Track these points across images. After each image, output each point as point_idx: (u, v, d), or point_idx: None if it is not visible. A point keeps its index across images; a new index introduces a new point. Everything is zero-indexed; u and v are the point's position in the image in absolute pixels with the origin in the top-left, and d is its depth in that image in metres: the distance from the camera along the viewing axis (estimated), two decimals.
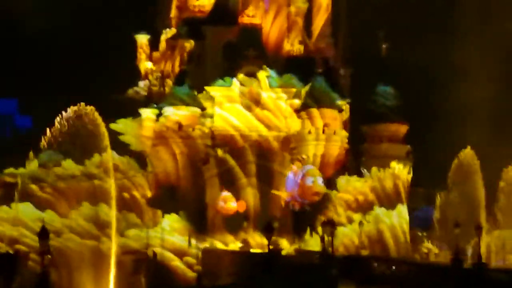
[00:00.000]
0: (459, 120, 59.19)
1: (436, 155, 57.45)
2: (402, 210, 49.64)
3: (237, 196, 48.81)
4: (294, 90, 51.89)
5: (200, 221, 48.20)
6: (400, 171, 51.23)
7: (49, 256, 34.29)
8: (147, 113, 51.26)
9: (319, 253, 42.20)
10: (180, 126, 50.35)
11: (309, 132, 51.38)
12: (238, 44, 52.96)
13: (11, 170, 48.74)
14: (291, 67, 53.66)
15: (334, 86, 53.68)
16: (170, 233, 45.70)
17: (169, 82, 54.47)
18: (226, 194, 48.46)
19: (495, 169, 50.88)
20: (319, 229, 43.38)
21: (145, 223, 46.30)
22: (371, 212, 49.14)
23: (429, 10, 67.83)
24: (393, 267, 41.18)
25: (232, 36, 53.44)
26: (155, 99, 52.84)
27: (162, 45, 56.69)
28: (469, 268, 41.50)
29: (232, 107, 50.70)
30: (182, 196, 49.84)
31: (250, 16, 54.35)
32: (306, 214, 48.88)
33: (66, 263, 43.39)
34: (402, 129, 55.15)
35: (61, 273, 43.34)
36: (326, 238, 41.43)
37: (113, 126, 47.17)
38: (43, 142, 45.05)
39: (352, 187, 50.21)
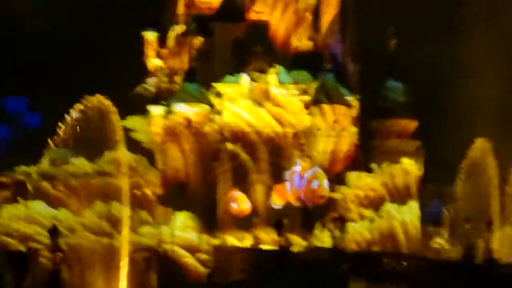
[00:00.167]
0: (467, 116, 59.06)
1: (445, 151, 57.35)
2: (413, 206, 49.59)
3: (247, 192, 48.73)
4: (303, 86, 51.89)
5: (210, 218, 48.18)
6: (411, 167, 51.19)
7: (61, 254, 34.40)
8: (156, 110, 51.28)
9: (329, 249, 42.18)
10: (189, 122, 50.36)
11: (319, 129, 51.35)
12: (246, 40, 52.97)
13: (23, 168, 48.76)
14: (299, 63, 53.63)
15: (343, 82, 53.68)
16: (183, 230, 45.67)
17: (178, 79, 54.44)
18: (237, 194, 48.25)
19: (504, 165, 50.74)
20: (330, 225, 43.45)
21: (157, 220, 46.29)
22: (383, 208, 49.05)
23: (437, 6, 67.68)
24: (404, 263, 41.18)
25: (240, 33, 53.44)
26: (164, 96, 52.86)
27: (170, 42, 56.61)
28: (480, 264, 41.48)
29: (242, 103, 50.68)
30: (191, 193, 49.86)
31: (258, 12, 54.34)
32: (317, 210, 48.83)
33: (79, 261, 43.40)
34: (412, 124, 55.09)
35: (74, 271, 43.36)
36: (336, 234, 41.46)
37: (124, 123, 47.13)
38: (56, 139, 45.07)
39: (363, 183, 50.19)
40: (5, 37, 66.58)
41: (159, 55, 57.22)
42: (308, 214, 49.02)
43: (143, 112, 52.17)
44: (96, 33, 65.86)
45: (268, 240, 45.97)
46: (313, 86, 52.43)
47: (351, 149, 52.28)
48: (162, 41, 57.47)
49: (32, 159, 50.44)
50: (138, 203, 46.58)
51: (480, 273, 40.31)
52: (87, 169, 47.72)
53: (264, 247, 45.28)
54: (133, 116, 52.11)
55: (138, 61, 58.17)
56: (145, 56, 57.86)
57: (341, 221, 42.07)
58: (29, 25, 66.77)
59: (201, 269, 44.08)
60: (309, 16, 56.10)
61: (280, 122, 50.79)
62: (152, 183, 49.61)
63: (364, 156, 53.71)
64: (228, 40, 53.07)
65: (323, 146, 51.18)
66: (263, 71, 51.56)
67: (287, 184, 48.28)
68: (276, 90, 51.27)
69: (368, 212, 49.32)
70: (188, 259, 44.64)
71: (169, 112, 51.03)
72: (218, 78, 51.47)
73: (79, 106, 44.02)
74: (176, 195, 49.56)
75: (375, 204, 49.80)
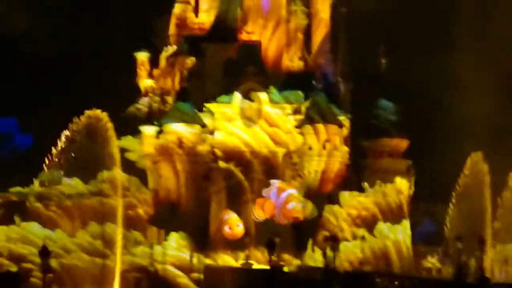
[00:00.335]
0: (458, 135, 59.18)
1: (436, 170, 57.48)
2: (405, 225, 49.61)
3: (239, 212, 48.69)
4: (295, 105, 52.02)
5: (202, 238, 48.09)
6: (403, 186, 51.30)
7: (51, 275, 34.29)
8: (148, 130, 51.32)
9: (321, 268, 42.14)
10: (181, 142, 50.40)
11: (310, 148, 51.44)
12: (238, 60, 53.12)
13: (17, 189, 48.85)
14: (291, 82, 53.75)
15: (334, 101, 53.82)
16: (176, 250, 45.60)
17: (170, 99, 54.55)
18: (229, 217, 48.15)
19: (495, 182, 50.83)
20: (322, 245, 43.44)
21: (149, 240, 46.23)
22: (375, 227, 49.05)
23: (429, 26, 67.98)
24: (396, 283, 41.16)
25: (232, 53, 53.58)
26: (156, 116, 52.92)
27: (162, 62, 56.78)
28: (472, 283, 41.45)
29: (234, 123, 50.78)
30: (183, 213, 49.77)
31: (249, 32, 54.59)
32: (309, 230, 48.80)
33: (72, 281, 43.28)
34: (403, 144, 55.26)
35: None
36: (328, 253, 41.44)
37: (118, 143, 47.17)
38: (50, 159, 45.13)
39: (355, 202, 50.23)
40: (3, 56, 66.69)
41: (151, 76, 57.36)
42: (301, 233, 48.98)
43: (135, 132, 52.20)
44: (87, 54, 66.00)
45: (260, 259, 45.85)
46: (304, 105, 52.57)
47: (343, 169, 52.35)
48: (154, 62, 57.63)
49: (24, 180, 50.48)
50: (131, 223, 46.58)
51: None
52: (81, 190, 47.77)
53: (256, 266, 45.15)
54: (126, 136, 52.15)
55: (130, 81, 58.28)
56: (137, 76, 58.00)
57: (333, 241, 42.09)
58: (20, 45, 66.91)
59: None
60: (300, 36, 56.36)
61: (272, 141, 50.87)
62: (145, 203, 49.65)
63: (356, 175, 53.78)
64: (220, 60, 53.20)
65: (314, 166, 51.26)
66: (255, 91, 51.65)
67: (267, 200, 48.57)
68: (268, 110, 51.38)
69: (360, 232, 49.30)
70: (181, 279, 44.56)
71: (161, 132, 51.08)
72: (210, 98, 51.57)
73: (76, 121, 44.16)
74: (168, 215, 49.50)
75: (368, 223, 49.82)
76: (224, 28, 54.45)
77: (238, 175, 49.65)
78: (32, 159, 57.38)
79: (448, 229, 50.83)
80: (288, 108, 51.80)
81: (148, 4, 59.17)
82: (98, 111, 43.81)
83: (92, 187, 48.31)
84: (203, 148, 50.48)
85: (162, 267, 44.82)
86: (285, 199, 48.15)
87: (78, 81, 64.57)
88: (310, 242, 48.19)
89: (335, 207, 50.13)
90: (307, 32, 57.20)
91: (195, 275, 45.06)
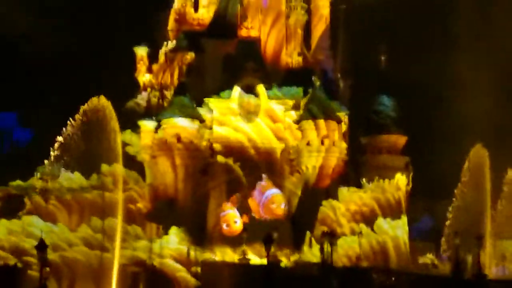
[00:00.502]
0: (457, 132, 59.17)
1: (435, 166, 57.50)
2: (403, 221, 49.60)
3: (238, 208, 48.71)
4: (293, 101, 52.03)
5: (200, 233, 48.11)
6: (401, 182, 51.30)
7: (48, 269, 34.35)
8: (147, 125, 51.32)
9: (318, 264, 42.17)
10: (179, 138, 50.41)
11: (309, 144, 51.44)
12: (237, 56, 53.12)
13: (17, 182, 48.94)
14: (290, 78, 53.80)
15: (333, 97, 53.81)
16: (179, 244, 45.65)
17: (169, 94, 54.54)
18: (227, 213, 48.17)
19: (493, 180, 50.77)
20: (320, 240, 43.47)
21: (151, 234, 46.26)
22: (374, 223, 49.05)
23: (429, 22, 67.98)
24: (393, 278, 41.18)
25: (231, 49, 53.61)
26: (154, 111, 52.93)
27: (162, 57, 56.79)
28: (469, 279, 41.45)
29: (232, 119, 50.80)
30: (181, 208, 49.78)
31: (248, 28, 54.59)
32: (306, 225, 48.83)
33: (71, 274, 43.32)
34: (401, 140, 55.29)
35: (64, 284, 43.24)
36: (326, 249, 41.46)
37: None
38: (52, 153, 45.14)
39: (354, 198, 50.21)
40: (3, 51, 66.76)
41: (150, 71, 57.37)
42: (298, 228, 49.00)
43: (134, 127, 52.20)
44: (87, 49, 66.06)
45: (257, 255, 45.88)
46: (303, 101, 52.57)
47: (341, 164, 52.33)
48: (153, 57, 57.64)
49: (23, 174, 50.55)
50: (131, 217, 46.61)
51: None
52: (81, 183, 47.82)
53: (253, 262, 45.18)
54: (125, 130, 52.11)
55: (130, 76, 58.30)
56: (137, 71, 58.01)
57: (331, 236, 42.11)
58: (20, 41, 66.99)
59: (192, 284, 43.98)
60: (299, 32, 56.37)
61: (270, 137, 50.92)
62: (144, 197, 49.70)
63: (354, 171, 53.79)
64: (219, 56, 53.24)
65: (313, 161, 51.25)
66: (253, 86, 51.66)
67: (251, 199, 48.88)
68: (267, 105, 51.40)
69: (358, 227, 49.27)
70: (181, 273, 44.52)
71: (159, 126, 51.07)
72: (209, 94, 51.58)
73: (83, 108, 44.07)
74: (166, 210, 49.51)
75: (366, 219, 49.80)
76: (224, 24, 54.46)
77: (237, 170, 49.69)
78: (31, 154, 57.45)
79: (446, 225, 50.83)
80: (287, 103, 51.81)
81: None
82: (103, 99, 43.67)
83: (92, 181, 48.37)
84: (201, 143, 50.49)
85: (161, 261, 44.80)
86: (268, 199, 48.34)
87: (78, 76, 64.67)
88: (307, 237, 48.18)
89: (334, 203, 50.14)
90: (307, 28, 57.24)
91: (194, 269, 45.07)
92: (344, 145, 52.51)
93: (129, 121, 52.01)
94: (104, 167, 47.42)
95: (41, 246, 32.96)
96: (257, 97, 51.44)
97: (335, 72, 56.68)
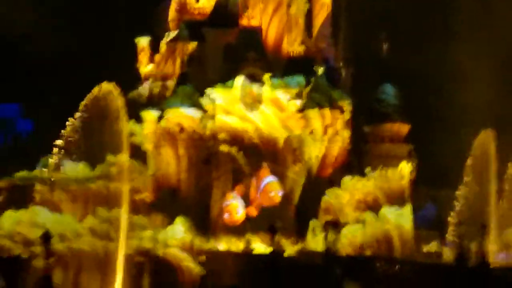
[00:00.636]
0: (460, 120, 59.16)
1: (438, 155, 57.46)
2: (407, 209, 49.60)
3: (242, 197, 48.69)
4: (296, 90, 51.92)
5: (203, 223, 48.12)
6: (405, 170, 51.31)
7: (52, 259, 34.38)
8: (149, 115, 51.29)
9: (323, 253, 42.19)
10: (181, 127, 50.38)
11: (311, 133, 51.39)
12: (238, 46, 53.05)
13: (23, 173, 48.95)
14: (292, 67, 53.66)
15: (335, 86, 53.76)
16: (184, 234, 45.66)
17: (170, 84, 54.48)
18: (229, 203, 48.15)
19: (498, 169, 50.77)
20: (324, 229, 43.46)
21: (155, 225, 46.23)
22: (378, 212, 49.06)
23: (430, 10, 67.81)
24: (397, 267, 41.23)
25: (232, 38, 53.51)
26: (157, 101, 52.89)
27: (163, 48, 56.68)
28: (473, 267, 41.48)
29: (234, 108, 50.72)
30: (184, 199, 49.81)
31: (250, 17, 54.45)
32: (310, 214, 48.85)
33: (78, 265, 43.28)
34: (404, 128, 55.25)
35: (69, 275, 43.21)
36: (329, 238, 41.49)
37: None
38: (58, 143, 45.02)
39: (358, 186, 50.21)
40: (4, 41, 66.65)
41: (152, 61, 57.27)
42: (302, 218, 49.02)
43: (137, 117, 52.15)
44: (89, 39, 65.95)
45: (261, 244, 45.90)
46: (306, 90, 52.47)
47: (343, 153, 52.35)
48: (154, 47, 57.52)
49: (26, 165, 50.60)
50: (136, 207, 46.57)
51: (474, 277, 40.30)
52: (86, 174, 47.81)
53: (256, 251, 45.21)
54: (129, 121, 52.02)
55: (131, 67, 58.22)
56: (138, 62, 57.90)
57: (335, 225, 42.16)
58: (21, 31, 66.80)
59: (196, 274, 43.99)
60: (301, 21, 56.19)
61: (273, 126, 50.80)
62: (147, 188, 49.71)
63: (357, 160, 53.78)
64: (220, 45, 53.15)
65: (316, 151, 51.21)
66: (255, 76, 51.57)
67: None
68: (269, 95, 51.30)
69: (362, 216, 49.28)
70: (187, 263, 44.43)
71: (162, 117, 51.04)
72: (211, 83, 51.49)
73: (91, 94, 43.83)
74: (169, 200, 49.53)
75: (369, 208, 49.80)
76: (225, 13, 54.33)
77: (240, 160, 49.63)
78: (34, 145, 57.49)
79: (450, 213, 50.83)
80: (290, 92, 51.70)
81: None
82: (112, 84, 43.52)
83: (97, 171, 48.40)
84: (204, 133, 50.45)
85: (167, 250, 44.72)
86: (265, 186, 48.28)
87: (79, 66, 64.58)
88: (311, 226, 48.18)
89: (338, 191, 50.14)
90: (308, 17, 57.06)
91: (201, 258, 45.10)
92: (347, 134, 52.49)
93: (132, 112, 51.95)
94: (110, 157, 47.44)
95: (45, 237, 33.02)
96: (259, 86, 51.35)
97: (337, 61, 56.58)
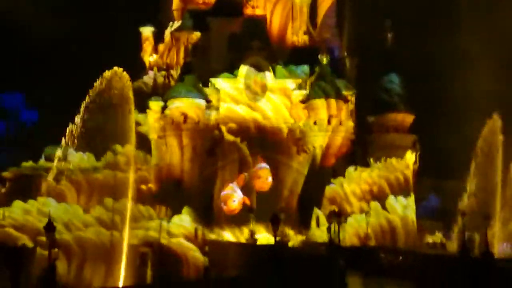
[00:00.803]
0: (465, 110, 58.94)
1: (441, 145, 57.32)
2: (411, 199, 49.58)
3: (244, 186, 48.71)
4: (299, 80, 51.83)
5: (207, 213, 48.15)
6: (409, 160, 51.24)
7: (56, 250, 34.44)
8: (153, 105, 51.22)
9: (326, 244, 42.16)
10: (185, 117, 50.32)
11: (315, 123, 51.31)
12: (243, 35, 52.89)
13: (29, 163, 48.99)
14: (296, 57, 53.60)
15: (339, 76, 53.61)
16: (183, 224, 45.72)
17: (175, 73, 54.42)
18: (226, 193, 48.26)
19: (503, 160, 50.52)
20: (327, 220, 43.47)
21: (160, 215, 46.26)
22: (382, 202, 49.02)
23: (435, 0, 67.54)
24: (401, 258, 41.14)
25: (237, 28, 53.38)
26: (161, 91, 52.82)
27: (167, 37, 56.60)
28: (476, 258, 41.40)
29: (239, 98, 50.64)
30: (187, 189, 49.79)
31: (254, 6, 54.25)
32: (313, 205, 48.83)
33: (83, 254, 43.37)
34: (409, 118, 55.10)
35: (75, 264, 43.29)
36: (333, 229, 41.45)
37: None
38: (67, 134, 44.90)
39: (362, 176, 50.17)
40: (2, 34, 66.53)
41: (156, 51, 57.20)
42: (305, 208, 49.01)
43: (141, 107, 52.11)
44: (92, 30, 65.84)
45: (264, 235, 45.89)
46: (310, 80, 52.35)
47: (347, 143, 52.27)
48: (159, 37, 57.46)
49: (30, 155, 50.68)
50: (141, 197, 46.62)
51: (477, 267, 40.21)
52: (92, 164, 47.81)
53: (260, 242, 45.22)
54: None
55: (136, 56, 58.17)
56: (143, 51, 57.85)
57: (338, 216, 42.09)
58: (26, 22, 66.75)
59: (201, 263, 44.03)
60: (305, 10, 56.01)
61: (277, 116, 50.73)
62: (151, 178, 49.75)
63: (361, 150, 53.68)
64: (225, 35, 53.01)
65: (320, 141, 51.14)
66: (259, 66, 51.45)
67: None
68: (273, 84, 51.20)
69: (367, 206, 49.28)
70: (193, 252, 44.46)
71: (166, 107, 50.96)
72: (215, 73, 51.40)
73: (102, 78, 43.64)
74: (172, 190, 49.51)
75: (373, 198, 49.76)
76: (229, 2, 54.21)
77: (244, 150, 49.58)
78: (38, 134, 57.48)
79: (455, 204, 50.69)
80: (293, 83, 51.59)
81: None
82: (120, 69, 43.35)
83: (103, 161, 48.39)
84: (208, 122, 50.38)
85: (174, 240, 44.73)
86: (256, 172, 48.58)
87: (84, 56, 64.48)
88: (314, 217, 48.18)
89: (343, 181, 50.09)
90: (313, 6, 56.87)
91: (207, 248, 45.14)
92: (351, 124, 52.39)
93: (136, 101, 51.87)
94: (116, 147, 47.41)
95: (49, 227, 33.03)
96: (264, 76, 51.24)
97: (342, 51, 56.42)
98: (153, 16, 58.18)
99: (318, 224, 47.84)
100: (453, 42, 62.94)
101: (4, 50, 66.38)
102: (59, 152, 47.95)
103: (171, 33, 56.12)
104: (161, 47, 56.97)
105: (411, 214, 49.49)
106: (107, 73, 43.19)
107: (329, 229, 41.87)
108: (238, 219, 47.86)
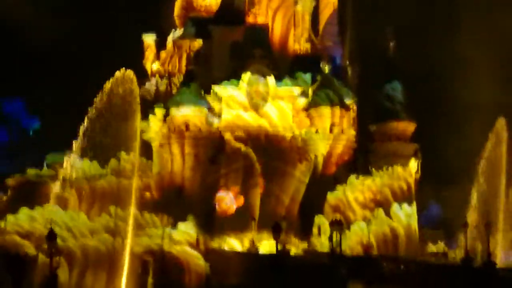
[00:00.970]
0: (466, 119, 58.90)
1: (442, 154, 57.26)
2: (413, 208, 49.54)
3: (246, 195, 48.68)
4: (301, 88, 51.83)
5: (208, 222, 48.08)
6: (412, 169, 51.21)
7: (58, 258, 34.39)
8: (155, 113, 51.20)
9: (327, 253, 42.13)
10: (187, 125, 50.30)
11: (317, 131, 51.29)
12: (245, 43, 52.92)
13: (34, 170, 48.93)
14: (298, 65, 53.60)
15: (341, 84, 53.58)
16: (185, 232, 45.66)
17: (176, 81, 54.43)
18: (220, 195, 48.35)
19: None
20: (329, 228, 43.39)
21: (162, 222, 46.19)
22: (382, 211, 48.97)
23: (436, 7, 67.56)
24: (403, 266, 41.11)
25: (239, 36, 53.39)
26: (163, 99, 52.80)
27: (169, 45, 56.64)
28: (479, 267, 41.34)
29: (240, 106, 50.63)
30: (189, 197, 49.73)
31: (256, 14, 54.29)
32: (315, 213, 48.79)
33: (86, 262, 43.27)
34: (410, 127, 55.01)
35: (77, 271, 43.16)
36: (334, 237, 41.41)
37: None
38: (75, 143, 44.79)
39: (365, 185, 50.13)
40: (2, 40, 66.51)
41: (158, 58, 57.22)
42: (306, 216, 48.96)
43: (143, 115, 52.02)
44: (95, 37, 65.84)
45: (266, 243, 45.84)
46: (312, 88, 52.37)
47: (349, 152, 52.25)
48: (161, 44, 57.49)
49: (33, 162, 50.69)
50: (145, 205, 46.53)
51: (479, 276, 40.18)
52: (97, 171, 47.76)
53: (261, 250, 45.16)
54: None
55: (138, 64, 58.17)
56: (145, 59, 57.85)
57: (340, 224, 42.04)
58: (27, 28, 66.74)
59: (203, 271, 43.96)
60: (307, 18, 56.06)
61: (279, 124, 50.72)
62: (152, 186, 49.70)
63: (363, 158, 53.65)
64: (227, 43, 53.03)
65: (321, 149, 51.12)
66: (261, 73, 51.47)
67: None
68: (275, 93, 51.19)
69: (371, 214, 49.24)
70: (196, 260, 44.34)
71: (168, 114, 50.94)
72: (217, 81, 51.41)
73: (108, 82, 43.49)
74: (174, 198, 49.46)
75: (378, 205, 49.71)
76: (231, 10, 54.24)
77: (251, 157, 49.41)
78: (39, 141, 57.43)
79: (457, 212, 50.57)
80: (295, 91, 51.60)
81: None
82: (129, 71, 43.27)
83: (108, 169, 48.35)
84: (210, 130, 50.35)
85: (177, 247, 44.62)
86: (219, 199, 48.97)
87: (85, 63, 64.48)
88: (316, 225, 48.15)
89: (346, 190, 50.04)
90: (315, 15, 56.91)
91: (208, 256, 45.10)
92: (352, 132, 52.39)
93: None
94: (121, 154, 47.38)
95: (51, 236, 32.98)
96: (266, 84, 51.24)
97: (343, 59, 56.44)
98: (154, 21, 58.18)
99: (319, 232, 47.80)
100: (455, 51, 62.93)
101: (3, 53, 66.33)
102: (65, 160, 47.93)
103: (173, 40, 56.16)
104: (163, 54, 57.00)
105: (414, 223, 49.46)
106: (118, 73, 43.11)
107: (330, 237, 41.82)
108: (239, 227, 47.81)
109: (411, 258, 44.65)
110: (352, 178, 50.60)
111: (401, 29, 57.58)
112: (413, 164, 51.65)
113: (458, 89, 61.45)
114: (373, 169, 51.42)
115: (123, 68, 43.40)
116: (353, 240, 46.78)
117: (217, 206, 48.04)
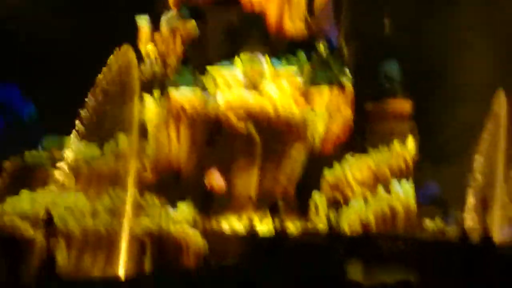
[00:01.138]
0: (463, 97, 58.82)
1: (439, 131, 57.24)
2: (410, 186, 49.60)
3: (244, 174, 48.62)
4: (297, 68, 51.71)
5: (206, 203, 48.09)
6: (410, 146, 51.25)
7: (54, 240, 34.36)
8: (150, 95, 51.14)
9: (325, 232, 42.18)
10: (183, 107, 50.19)
11: (313, 111, 51.21)
12: (240, 24, 52.79)
13: (32, 153, 48.89)
14: (293, 45, 53.45)
15: (338, 64, 53.45)
16: (190, 214, 45.67)
17: (171, 63, 54.22)
18: (210, 172, 48.36)
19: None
20: (327, 208, 43.51)
21: (166, 203, 46.21)
22: (383, 189, 49.01)
23: None
24: (401, 245, 41.13)
25: (233, 17, 53.22)
26: (158, 82, 52.65)
27: (163, 27, 56.32)
28: (476, 244, 41.36)
29: (236, 87, 50.51)
30: (186, 179, 49.73)
31: None
32: (311, 192, 48.80)
33: (84, 244, 43.28)
34: (407, 105, 54.94)
35: (76, 253, 43.18)
36: (332, 217, 41.49)
37: None
38: (77, 126, 44.71)
39: (360, 164, 50.16)
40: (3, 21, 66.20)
41: (152, 40, 56.90)
42: (303, 196, 48.98)
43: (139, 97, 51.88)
44: (88, 19, 65.52)
45: (263, 224, 45.88)
46: (308, 68, 52.26)
47: (345, 131, 52.24)
48: (155, 26, 57.14)
49: (28, 147, 50.55)
50: (139, 188, 46.49)
51: (477, 254, 40.19)
52: (95, 153, 47.72)
53: (259, 231, 45.13)
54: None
55: (133, 46, 57.76)
56: (138, 41, 57.53)
57: (338, 204, 42.13)
58: (20, 13, 66.44)
59: (201, 250, 44.01)
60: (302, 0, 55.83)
61: (274, 105, 50.60)
62: (149, 168, 49.66)
63: (359, 137, 53.63)
64: (221, 24, 52.85)
65: (317, 128, 51.07)
66: (258, 53, 51.37)
67: None
68: (270, 73, 51.07)
69: (367, 193, 49.27)
70: (196, 238, 44.31)
71: (162, 97, 50.83)
72: (212, 63, 51.28)
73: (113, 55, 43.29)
74: (171, 181, 49.44)
75: (373, 185, 49.77)
76: None
77: (253, 136, 49.26)
78: (35, 125, 57.32)
79: (453, 189, 50.64)
80: (290, 71, 51.47)
81: None
82: (128, 49, 43.14)
83: (106, 151, 48.32)
84: (206, 112, 50.27)
85: (176, 226, 44.60)
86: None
87: (79, 47, 64.21)
88: (313, 203, 48.18)
89: (340, 169, 50.04)
90: None
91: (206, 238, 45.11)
92: (349, 111, 52.37)
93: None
94: (120, 136, 47.38)
95: (47, 218, 33.00)
96: (260, 65, 51.11)
97: (339, 39, 56.26)
98: (149, 5, 57.81)
99: (317, 212, 47.83)
100: (453, 28, 62.68)
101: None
102: (65, 142, 47.84)
103: (167, 22, 55.85)
104: (157, 36, 56.68)
105: (411, 201, 49.51)
106: (117, 52, 43.04)
107: (328, 217, 41.87)
108: (237, 208, 47.84)
109: (409, 236, 44.73)
110: (348, 157, 50.57)
111: (398, 9, 57.37)
112: (411, 142, 51.60)
113: (457, 67, 61.28)
114: (370, 147, 51.38)
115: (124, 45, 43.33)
116: (352, 219, 46.80)
117: (207, 183, 48.00)
